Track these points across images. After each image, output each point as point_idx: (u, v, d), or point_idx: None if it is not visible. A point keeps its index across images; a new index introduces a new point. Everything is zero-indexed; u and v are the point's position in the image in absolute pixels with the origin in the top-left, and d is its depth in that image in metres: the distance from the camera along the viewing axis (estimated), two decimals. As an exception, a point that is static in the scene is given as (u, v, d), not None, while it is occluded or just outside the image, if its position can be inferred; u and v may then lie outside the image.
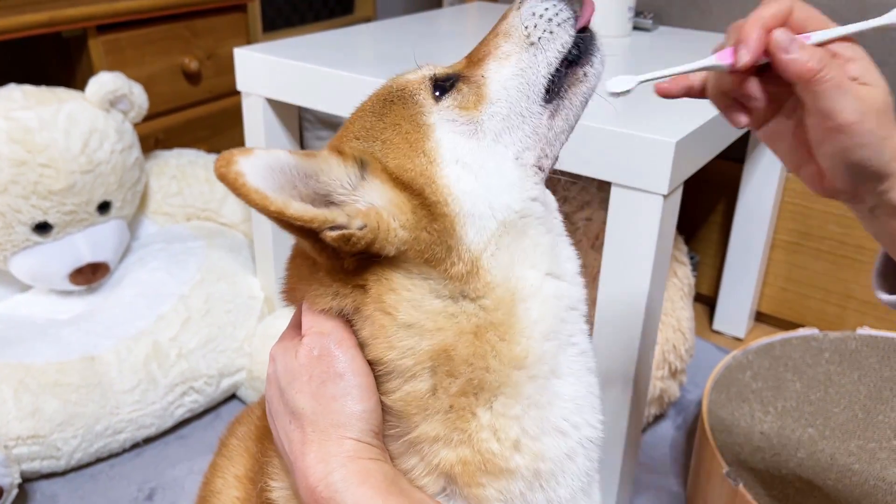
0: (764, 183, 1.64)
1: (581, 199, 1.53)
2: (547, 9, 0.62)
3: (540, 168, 0.62)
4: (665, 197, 1.03)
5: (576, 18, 0.62)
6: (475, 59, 0.64)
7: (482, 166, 0.58)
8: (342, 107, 1.31)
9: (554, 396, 0.58)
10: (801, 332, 1.47)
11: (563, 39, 0.62)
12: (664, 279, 1.16)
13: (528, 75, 0.61)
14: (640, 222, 1.06)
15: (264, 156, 0.52)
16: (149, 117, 1.71)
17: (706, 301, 1.89)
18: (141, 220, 1.64)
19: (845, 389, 1.39)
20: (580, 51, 0.63)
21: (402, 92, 0.62)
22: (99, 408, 1.31)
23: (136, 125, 1.56)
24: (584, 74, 0.63)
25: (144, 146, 1.67)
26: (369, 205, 0.55)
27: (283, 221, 0.52)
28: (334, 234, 0.53)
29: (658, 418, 1.52)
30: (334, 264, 0.57)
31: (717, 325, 1.80)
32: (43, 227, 1.39)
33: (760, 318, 1.82)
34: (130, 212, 1.55)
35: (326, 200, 0.56)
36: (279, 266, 1.57)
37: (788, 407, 1.36)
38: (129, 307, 1.42)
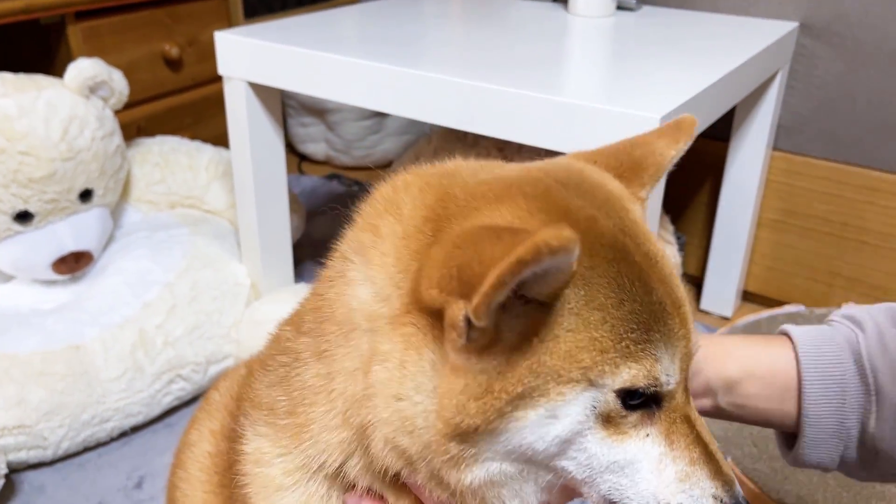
0: (749, 161, 1.64)
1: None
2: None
3: None
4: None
5: None
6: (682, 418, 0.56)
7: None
8: (325, 90, 1.30)
9: None
10: (787, 308, 1.48)
11: None
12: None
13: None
14: (626, 199, 1.06)
15: (552, 261, 0.46)
16: (130, 105, 1.69)
17: (693, 281, 1.89)
18: (124, 208, 1.62)
19: (832, 365, 1.39)
20: None
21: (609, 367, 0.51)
22: (85, 396, 1.30)
23: (117, 113, 1.54)
24: None
25: (126, 134, 1.66)
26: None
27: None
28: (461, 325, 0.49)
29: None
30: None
31: (704, 305, 1.80)
32: (24, 216, 1.38)
33: (747, 297, 1.83)
34: (113, 200, 1.53)
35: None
36: (265, 252, 1.56)
37: (776, 383, 1.37)
38: (114, 295, 1.41)
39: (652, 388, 0.52)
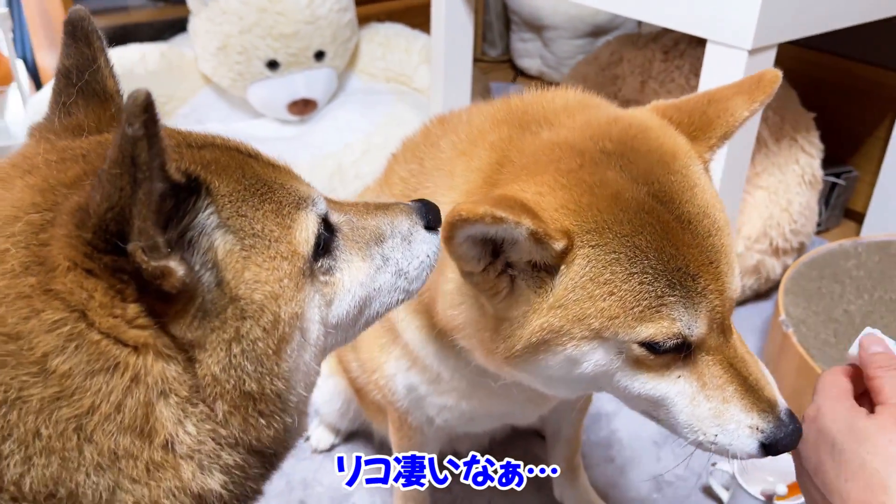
0: (929, 96, 1.61)
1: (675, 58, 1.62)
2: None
3: None
4: (750, 52, 1.13)
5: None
6: None
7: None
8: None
9: None
10: (925, 236, 1.47)
11: None
12: (751, 144, 1.25)
13: None
14: (727, 79, 1.17)
15: (481, 229, 0.55)
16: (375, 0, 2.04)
17: (860, 219, 1.87)
18: (349, 75, 2.00)
19: (956, 294, 1.38)
20: None
21: None
22: (291, 202, 1.69)
23: (364, 5, 1.89)
24: None
25: (365, 23, 2.02)
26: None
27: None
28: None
29: (760, 296, 1.60)
30: None
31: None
32: (273, 65, 1.79)
33: (912, 239, 1.79)
34: (341, 64, 1.91)
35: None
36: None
37: (886, 298, 1.39)
38: (325, 135, 1.79)
39: (672, 342, 0.57)
